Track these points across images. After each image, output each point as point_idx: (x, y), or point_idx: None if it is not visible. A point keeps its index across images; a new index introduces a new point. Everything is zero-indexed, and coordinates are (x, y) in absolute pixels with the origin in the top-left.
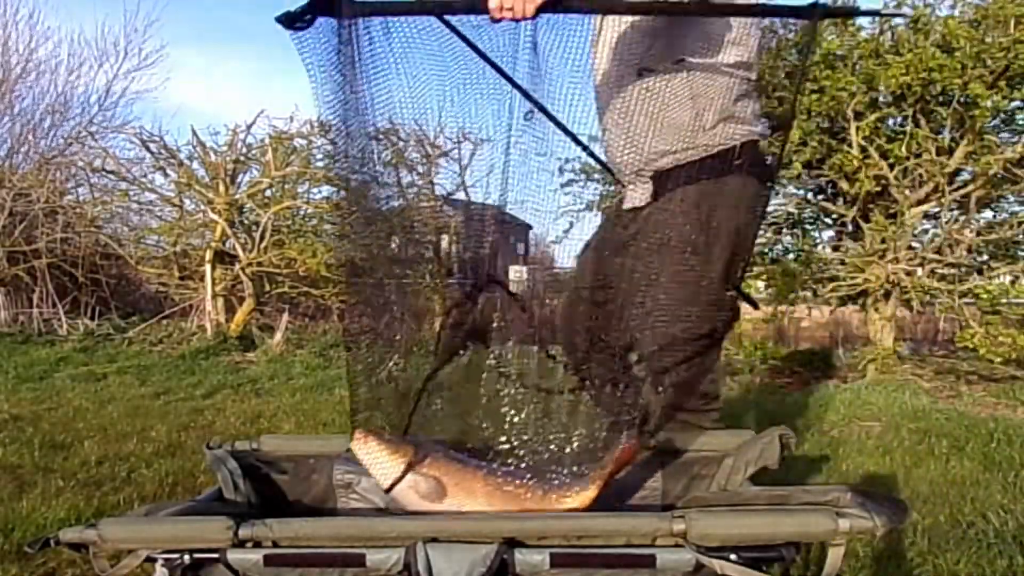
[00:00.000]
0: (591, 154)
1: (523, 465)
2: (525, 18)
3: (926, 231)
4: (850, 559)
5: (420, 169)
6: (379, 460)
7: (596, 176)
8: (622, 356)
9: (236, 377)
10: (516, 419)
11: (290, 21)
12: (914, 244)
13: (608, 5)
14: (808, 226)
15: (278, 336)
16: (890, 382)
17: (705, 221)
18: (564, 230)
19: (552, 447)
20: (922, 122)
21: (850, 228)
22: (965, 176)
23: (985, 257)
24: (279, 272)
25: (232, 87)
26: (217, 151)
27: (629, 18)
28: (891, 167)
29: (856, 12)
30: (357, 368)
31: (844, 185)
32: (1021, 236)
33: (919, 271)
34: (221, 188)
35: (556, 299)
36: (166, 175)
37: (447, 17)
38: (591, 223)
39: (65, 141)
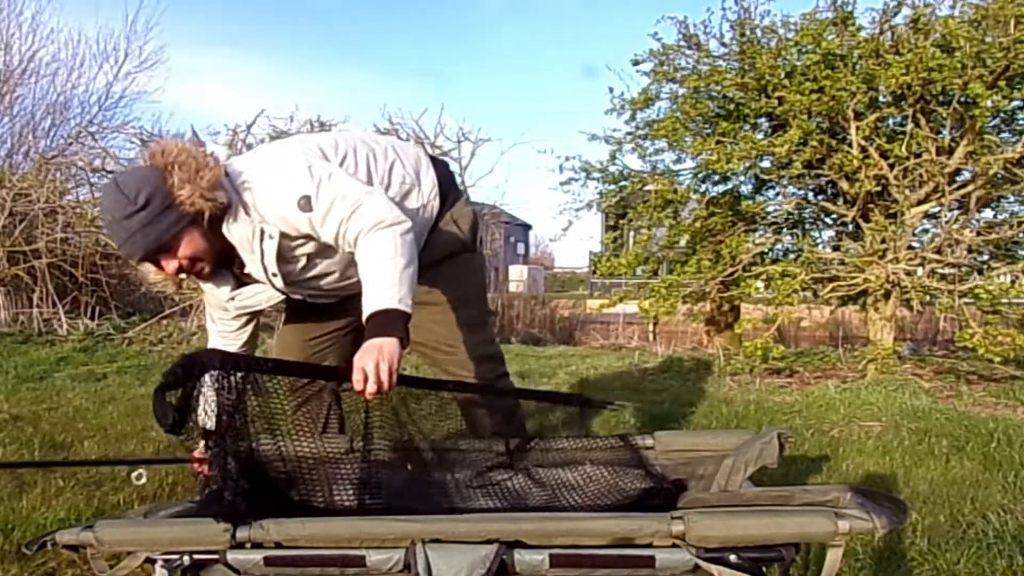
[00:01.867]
0: None
1: None
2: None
3: (926, 231)
4: (850, 559)
5: None
6: None
7: (595, 175)
8: None
9: None
10: None
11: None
12: (914, 244)
13: (437, 387)
14: (808, 226)
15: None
16: (890, 382)
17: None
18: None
19: None
20: (922, 122)
21: (850, 228)
22: (965, 176)
23: (985, 257)
24: None
25: (232, 87)
26: None
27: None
28: (891, 167)
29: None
30: None
31: (844, 185)
32: (1021, 236)
33: (919, 271)
34: None
35: None
36: None
37: None
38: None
39: (65, 141)
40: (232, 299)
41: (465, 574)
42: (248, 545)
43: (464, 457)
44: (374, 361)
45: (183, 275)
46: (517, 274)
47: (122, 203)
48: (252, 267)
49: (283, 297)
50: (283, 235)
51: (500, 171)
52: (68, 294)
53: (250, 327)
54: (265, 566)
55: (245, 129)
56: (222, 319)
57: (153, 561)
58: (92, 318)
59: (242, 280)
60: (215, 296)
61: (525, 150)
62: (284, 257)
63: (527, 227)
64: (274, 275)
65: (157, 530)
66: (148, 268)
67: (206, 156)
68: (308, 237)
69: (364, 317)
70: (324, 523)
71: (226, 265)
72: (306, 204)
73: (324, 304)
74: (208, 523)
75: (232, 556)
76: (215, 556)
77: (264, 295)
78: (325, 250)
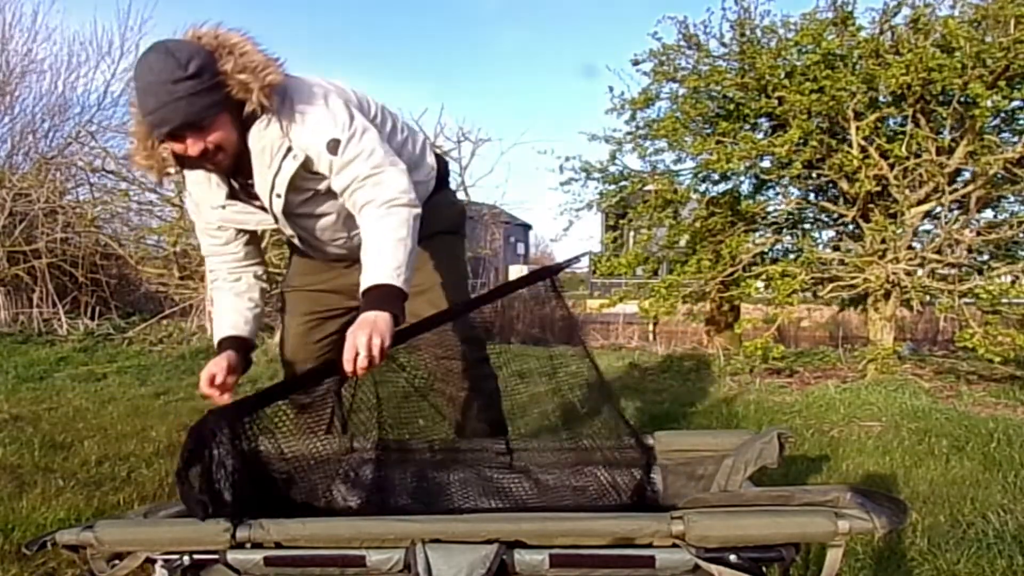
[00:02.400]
0: None
1: None
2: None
3: (926, 231)
4: (850, 559)
5: None
6: None
7: (595, 175)
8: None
9: None
10: None
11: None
12: (914, 244)
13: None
14: (808, 226)
15: (278, 336)
16: (890, 382)
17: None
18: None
19: None
20: (922, 122)
21: (850, 228)
22: (965, 176)
23: (985, 257)
24: (279, 272)
25: None
26: None
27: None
28: (891, 167)
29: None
30: None
31: (844, 185)
32: (1021, 236)
33: (919, 271)
34: None
35: None
36: None
37: None
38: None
39: (65, 141)
40: (223, 207)
41: (465, 574)
42: (248, 545)
43: (463, 457)
44: (367, 336)
45: (199, 162)
46: (517, 274)
47: (172, 66)
48: (260, 182)
49: (272, 225)
50: (306, 162)
51: (500, 171)
52: (68, 294)
53: (239, 241)
54: (265, 566)
55: None
56: (207, 230)
57: (153, 561)
58: (92, 318)
59: (237, 195)
60: (201, 196)
61: (525, 150)
62: (295, 184)
63: (527, 227)
64: (278, 196)
65: (157, 530)
66: (136, 148)
67: (272, 58)
68: (324, 177)
69: (362, 289)
70: (324, 523)
71: (233, 173)
72: (334, 148)
73: (319, 299)
74: (208, 523)
75: (232, 556)
76: (215, 556)
77: (255, 217)
78: (333, 194)
